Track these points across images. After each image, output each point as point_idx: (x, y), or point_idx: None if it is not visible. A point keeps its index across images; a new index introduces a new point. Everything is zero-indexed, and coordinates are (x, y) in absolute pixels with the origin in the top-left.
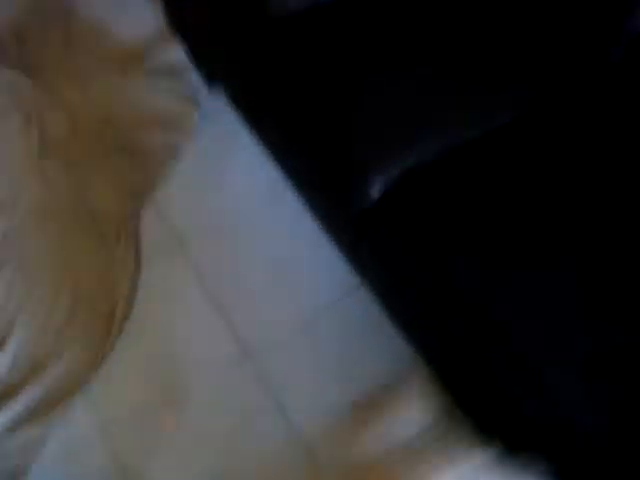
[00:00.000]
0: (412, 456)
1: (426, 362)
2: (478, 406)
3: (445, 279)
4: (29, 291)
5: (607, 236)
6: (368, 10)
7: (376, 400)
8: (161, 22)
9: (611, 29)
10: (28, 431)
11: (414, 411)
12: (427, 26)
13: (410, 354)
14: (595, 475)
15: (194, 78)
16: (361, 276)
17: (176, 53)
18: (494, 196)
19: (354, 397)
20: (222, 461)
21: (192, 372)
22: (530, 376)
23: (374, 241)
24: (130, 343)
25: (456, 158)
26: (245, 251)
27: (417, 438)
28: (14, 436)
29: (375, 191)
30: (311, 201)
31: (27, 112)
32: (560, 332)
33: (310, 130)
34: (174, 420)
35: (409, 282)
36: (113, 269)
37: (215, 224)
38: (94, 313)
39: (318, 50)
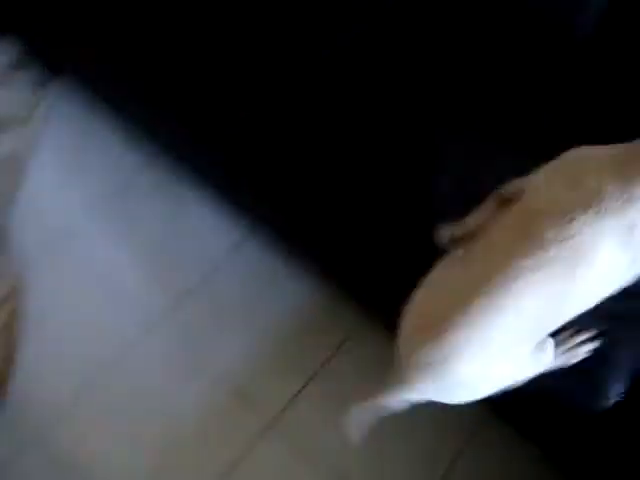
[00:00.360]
0: None
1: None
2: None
3: None
4: None
5: None
6: None
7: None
8: None
9: None
10: None
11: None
12: None
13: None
14: None
15: (31, 74)
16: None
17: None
18: None
19: (267, 336)
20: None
21: (107, 355)
22: None
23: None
24: (38, 340)
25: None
26: (122, 234)
27: None
28: None
29: None
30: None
31: None
32: None
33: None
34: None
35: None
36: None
37: (87, 212)
38: None
39: None
